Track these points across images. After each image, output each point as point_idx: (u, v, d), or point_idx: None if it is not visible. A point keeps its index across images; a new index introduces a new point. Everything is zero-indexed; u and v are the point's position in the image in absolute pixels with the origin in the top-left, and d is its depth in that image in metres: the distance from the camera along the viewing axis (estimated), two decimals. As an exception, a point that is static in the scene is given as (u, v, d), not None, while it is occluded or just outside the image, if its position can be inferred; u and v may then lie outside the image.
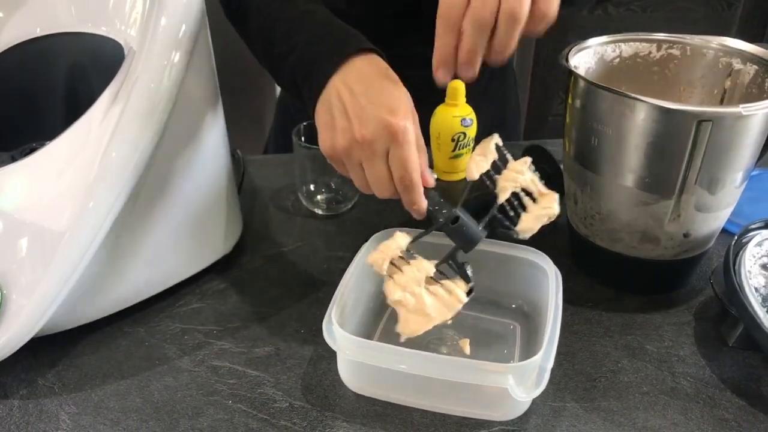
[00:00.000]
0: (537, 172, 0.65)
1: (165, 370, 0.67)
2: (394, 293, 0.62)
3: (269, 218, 0.91)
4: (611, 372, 0.67)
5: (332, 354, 0.65)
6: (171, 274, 0.75)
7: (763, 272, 0.69)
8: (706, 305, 0.76)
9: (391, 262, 0.63)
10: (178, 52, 0.65)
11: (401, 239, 0.64)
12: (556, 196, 0.63)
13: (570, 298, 0.75)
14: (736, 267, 0.68)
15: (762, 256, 0.70)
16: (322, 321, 0.61)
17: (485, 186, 0.64)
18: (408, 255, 0.64)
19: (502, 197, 0.63)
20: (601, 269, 0.79)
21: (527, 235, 0.64)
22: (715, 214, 0.71)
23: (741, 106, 0.63)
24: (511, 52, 0.58)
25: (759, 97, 0.68)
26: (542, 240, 0.73)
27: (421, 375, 0.59)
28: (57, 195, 0.62)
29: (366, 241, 0.71)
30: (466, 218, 0.62)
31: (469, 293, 0.62)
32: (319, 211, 0.91)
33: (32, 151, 0.67)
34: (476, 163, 0.64)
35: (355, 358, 0.61)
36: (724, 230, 0.77)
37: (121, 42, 0.70)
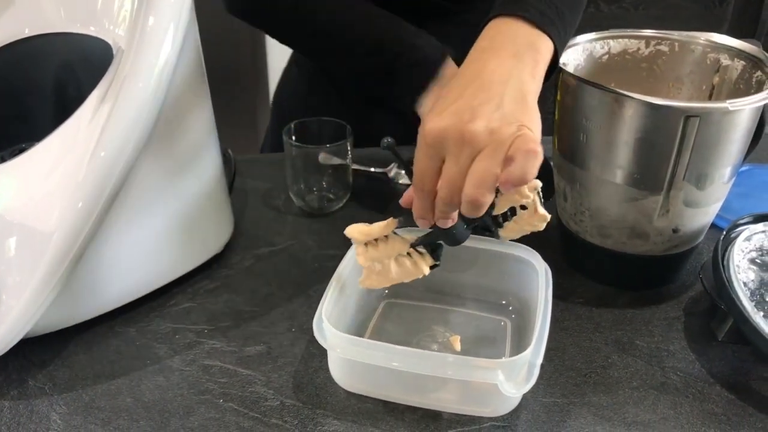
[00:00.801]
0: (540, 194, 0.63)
1: (156, 369, 0.67)
2: (364, 260, 0.64)
3: (260, 217, 0.91)
4: (601, 367, 0.67)
5: (323, 352, 0.66)
6: (162, 273, 0.75)
7: (752, 267, 0.69)
8: (695, 300, 0.76)
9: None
10: (167, 52, 0.65)
11: (390, 226, 0.64)
12: (548, 217, 0.62)
13: (560, 295, 0.75)
14: (725, 262, 0.69)
15: (750, 250, 0.70)
16: (313, 319, 0.61)
17: None
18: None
19: (499, 210, 0.63)
20: (591, 265, 0.79)
21: (506, 240, 0.65)
22: (704, 210, 0.72)
23: (728, 101, 0.63)
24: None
25: (746, 93, 0.69)
26: (532, 237, 0.73)
27: (412, 372, 0.59)
28: (46, 195, 0.62)
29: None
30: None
31: (432, 267, 0.65)
32: (311, 210, 0.91)
33: (21, 151, 0.66)
34: None
35: (346, 355, 0.61)
36: (713, 225, 0.78)
37: (110, 42, 0.70)
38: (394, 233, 0.65)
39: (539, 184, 0.61)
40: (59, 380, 0.65)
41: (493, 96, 0.55)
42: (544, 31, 0.62)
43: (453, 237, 0.62)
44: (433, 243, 0.65)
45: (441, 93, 0.61)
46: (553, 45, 0.63)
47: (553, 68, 0.65)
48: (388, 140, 0.59)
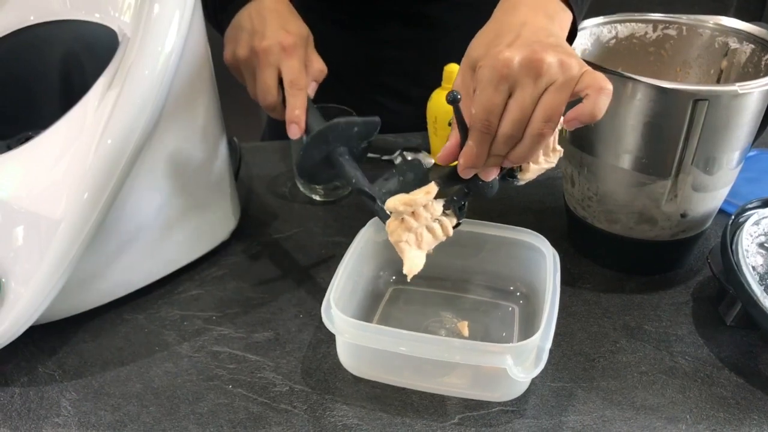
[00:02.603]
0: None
1: (165, 356, 0.67)
2: (397, 236, 0.61)
3: (267, 205, 0.91)
4: (610, 352, 0.67)
5: (331, 338, 0.66)
6: (169, 261, 0.75)
7: (761, 251, 0.69)
8: (703, 285, 0.76)
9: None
10: (172, 39, 0.65)
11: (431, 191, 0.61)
12: (561, 151, 0.62)
13: (568, 280, 0.75)
14: (734, 246, 0.69)
15: (759, 235, 0.70)
16: (320, 305, 0.61)
17: None
18: None
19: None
20: (599, 251, 0.79)
21: (524, 183, 0.63)
22: (712, 194, 0.71)
23: (737, 84, 0.63)
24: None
25: (755, 76, 0.68)
26: (540, 222, 0.74)
27: (420, 357, 0.59)
28: (53, 183, 0.62)
29: (363, 226, 0.71)
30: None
31: (455, 227, 0.63)
32: (317, 197, 0.91)
33: (28, 139, 0.66)
34: None
35: (354, 341, 0.61)
36: (721, 211, 0.78)
37: (115, 29, 0.69)
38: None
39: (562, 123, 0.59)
40: (69, 367, 0.65)
41: (548, 36, 0.56)
42: (565, 2, 0.63)
43: (490, 188, 0.61)
44: (457, 201, 0.62)
45: (482, 34, 0.60)
46: (572, 15, 0.63)
47: (571, 39, 0.65)
48: (454, 94, 0.55)
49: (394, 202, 0.59)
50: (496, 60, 0.54)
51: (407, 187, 0.61)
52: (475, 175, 0.59)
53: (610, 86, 0.53)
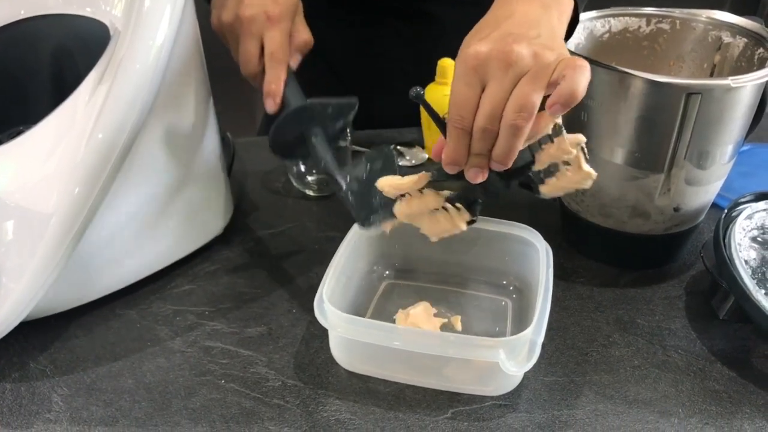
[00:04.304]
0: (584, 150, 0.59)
1: (157, 351, 0.67)
2: (401, 215, 0.63)
3: (260, 200, 0.90)
4: (602, 346, 0.67)
5: (324, 333, 0.66)
6: (162, 256, 0.75)
7: (753, 245, 0.69)
8: (696, 279, 0.76)
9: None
10: (164, 32, 0.64)
11: (421, 180, 0.62)
12: (594, 175, 0.59)
13: (561, 274, 0.75)
14: (726, 240, 0.69)
15: (752, 229, 0.70)
16: (313, 300, 0.61)
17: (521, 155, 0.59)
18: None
19: (539, 166, 0.59)
20: (592, 245, 0.79)
21: (548, 197, 0.61)
22: (705, 188, 0.71)
23: (730, 78, 0.63)
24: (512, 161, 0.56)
25: (748, 71, 0.68)
26: (533, 217, 0.74)
27: (413, 351, 0.59)
28: (44, 177, 0.62)
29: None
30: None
31: (469, 223, 0.62)
32: (310, 192, 0.91)
33: (19, 134, 0.66)
34: None
35: (347, 335, 0.61)
36: (714, 205, 0.78)
37: (107, 23, 0.69)
38: (423, 188, 0.62)
39: (583, 139, 0.57)
40: (60, 362, 0.65)
41: (530, 28, 0.55)
42: None
43: (489, 191, 0.60)
44: (469, 198, 0.62)
45: (472, 30, 0.59)
46: (574, 1, 0.62)
47: (573, 27, 0.64)
48: (417, 90, 0.56)
49: (381, 182, 0.61)
50: (466, 54, 0.53)
51: (374, 175, 0.62)
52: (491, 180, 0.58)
53: (585, 63, 0.52)
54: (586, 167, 0.58)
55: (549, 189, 0.60)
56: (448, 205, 0.62)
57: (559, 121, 0.56)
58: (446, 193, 0.62)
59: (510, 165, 0.55)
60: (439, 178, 0.61)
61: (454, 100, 0.54)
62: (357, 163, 0.64)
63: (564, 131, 0.57)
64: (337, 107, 0.71)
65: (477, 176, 0.56)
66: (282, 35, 0.71)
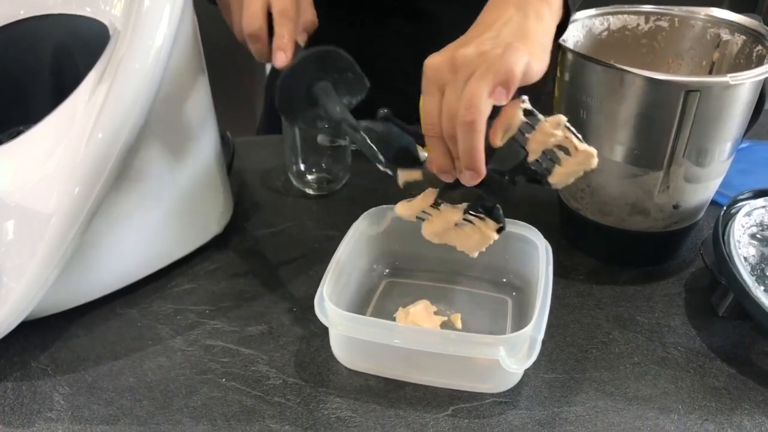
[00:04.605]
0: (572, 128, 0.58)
1: (158, 350, 0.67)
2: (430, 236, 0.64)
3: (260, 199, 0.91)
4: (602, 343, 0.67)
5: (325, 331, 0.66)
6: (162, 255, 0.75)
7: (753, 242, 0.69)
8: (696, 276, 0.76)
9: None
10: (163, 32, 0.64)
11: (428, 197, 0.64)
12: (593, 151, 0.58)
13: (561, 272, 0.75)
14: (726, 237, 0.69)
15: (751, 225, 0.70)
16: (314, 299, 0.61)
17: (511, 149, 0.60)
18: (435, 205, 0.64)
19: (533, 156, 0.59)
20: (592, 242, 0.79)
21: (560, 186, 0.60)
22: (704, 185, 0.72)
23: (729, 75, 0.63)
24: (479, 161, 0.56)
25: (747, 68, 0.68)
26: (533, 215, 0.74)
27: (414, 349, 0.59)
28: (44, 177, 0.62)
29: (357, 219, 0.71)
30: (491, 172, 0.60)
31: (499, 231, 0.63)
32: (310, 191, 0.91)
33: (19, 134, 0.66)
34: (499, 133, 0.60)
35: (348, 333, 0.61)
36: (713, 202, 0.78)
37: (106, 23, 0.69)
38: (438, 203, 0.63)
39: (563, 118, 0.57)
40: (61, 362, 0.65)
41: (490, 31, 0.57)
42: None
43: (497, 192, 0.60)
44: (485, 206, 0.62)
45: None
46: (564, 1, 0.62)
47: (565, 23, 0.64)
48: (383, 111, 0.59)
49: (398, 209, 0.64)
50: (424, 66, 0.57)
51: (390, 135, 0.63)
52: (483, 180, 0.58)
53: (520, 45, 0.53)
54: (582, 145, 0.57)
55: (556, 178, 0.59)
56: (471, 217, 0.63)
57: (528, 106, 0.57)
58: (463, 205, 0.63)
59: (479, 164, 0.55)
60: (446, 189, 0.62)
61: (423, 111, 0.57)
62: (374, 123, 0.64)
63: (540, 115, 0.57)
64: (356, 74, 0.69)
65: (472, 179, 0.56)
66: None
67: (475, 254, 0.65)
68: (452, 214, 0.63)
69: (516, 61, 0.52)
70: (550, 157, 0.58)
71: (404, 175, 0.63)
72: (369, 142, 0.62)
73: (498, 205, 0.63)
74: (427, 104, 0.57)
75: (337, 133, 0.86)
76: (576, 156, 0.57)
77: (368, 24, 1.04)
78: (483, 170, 0.56)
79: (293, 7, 0.70)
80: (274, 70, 1.21)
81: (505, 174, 0.59)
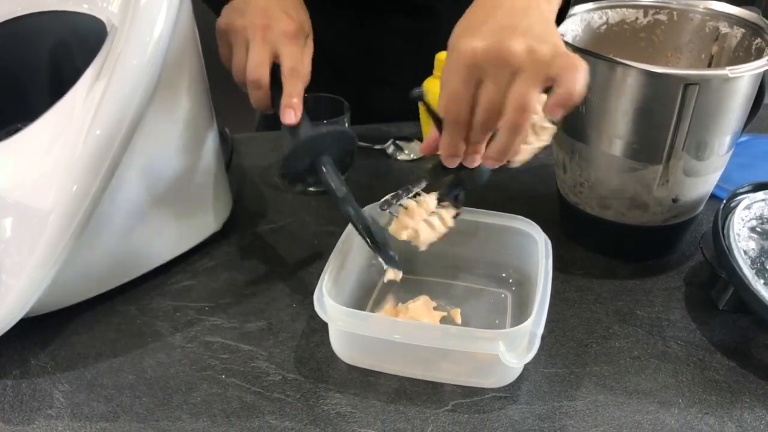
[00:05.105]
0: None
1: (158, 346, 0.67)
2: (400, 234, 0.64)
3: (259, 195, 0.90)
4: (602, 338, 0.67)
5: (324, 327, 0.66)
6: (161, 252, 0.75)
7: (752, 235, 0.69)
8: (696, 270, 0.76)
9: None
10: (160, 28, 0.64)
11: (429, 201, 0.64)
12: (553, 129, 0.61)
13: (561, 267, 0.75)
14: (725, 231, 0.69)
15: (750, 219, 0.70)
16: (313, 295, 0.61)
17: None
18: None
19: None
20: (591, 237, 0.79)
21: (518, 164, 0.62)
22: (703, 179, 0.71)
23: (727, 68, 0.63)
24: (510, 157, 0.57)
25: (746, 61, 0.68)
26: (532, 209, 0.74)
27: (413, 344, 0.59)
28: (42, 174, 0.62)
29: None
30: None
31: (455, 217, 0.64)
32: (309, 188, 0.91)
33: (17, 131, 0.66)
34: None
35: (347, 328, 0.61)
36: (713, 196, 0.78)
37: (104, 19, 0.69)
38: (420, 193, 0.63)
39: (542, 97, 0.58)
40: (61, 359, 0.65)
41: (521, 19, 0.55)
42: None
43: (479, 174, 0.61)
44: (453, 192, 0.63)
45: (460, 20, 0.59)
46: None
47: (564, 12, 0.64)
48: (418, 90, 0.57)
49: (394, 231, 0.64)
50: (460, 50, 0.53)
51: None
52: (461, 164, 0.59)
53: (583, 64, 0.52)
54: (547, 123, 0.60)
55: (518, 156, 0.60)
56: (440, 210, 0.64)
57: None
58: (429, 201, 0.63)
59: (506, 159, 0.56)
60: (437, 174, 0.62)
61: (450, 95, 0.54)
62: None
63: None
64: (344, 137, 0.71)
65: (474, 161, 0.57)
66: (300, 52, 0.71)
67: (423, 247, 0.64)
68: (430, 202, 0.63)
69: (579, 83, 0.52)
70: None
71: (392, 273, 0.65)
72: (369, 228, 0.64)
73: (462, 193, 0.64)
74: (457, 91, 0.54)
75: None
76: (540, 133, 0.60)
77: (368, 20, 1.04)
78: (502, 162, 0.56)
79: (303, 64, 0.71)
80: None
81: None
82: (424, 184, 0.63)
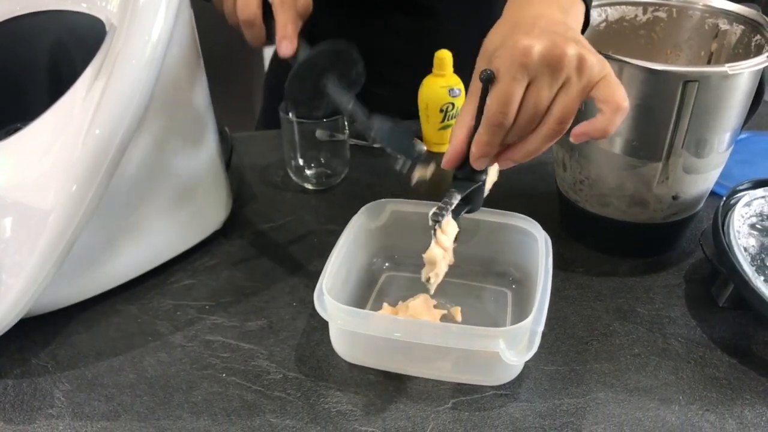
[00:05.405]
0: None
1: (158, 345, 0.67)
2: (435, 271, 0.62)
3: (259, 194, 0.90)
4: (603, 335, 0.67)
5: (325, 325, 0.66)
6: (161, 251, 0.75)
7: (753, 232, 0.69)
8: (696, 267, 0.76)
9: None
10: (159, 27, 0.64)
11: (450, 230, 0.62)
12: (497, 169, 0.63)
13: (561, 264, 0.75)
14: (725, 228, 0.69)
15: (751, 216, 0.70)
16: (313, 294, 0.61)
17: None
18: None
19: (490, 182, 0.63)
20: (592, 235, 0.79)
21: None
22: (703, 176, 0.71)
23: (727, 65, 0.63)
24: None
25: (745, 58, 0.68)
26: (532, 207, 0.74)
27: (414, 342, 0.59)
28: (42, 174, 0.62)
29: (356, 213, 0.71)
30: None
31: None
32: (309, 186, 0.91)
33: (16, 131, 0.66)
34: None
35: (347, 327, 0.61)
36: (713, 193, 0.78)
37: (102, 18, 0.69)
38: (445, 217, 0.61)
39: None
40: (62, 358, 0.65)
41: (567, 30, 0.54)
42: None
43: (476, 195, 0.61)
44: (462, 209, 0.62)
45: (497, 27, 0.58)
46: (585, 5, 0.62)
47: (585, 27, 0.64)
48: (490, 72, 0.53)
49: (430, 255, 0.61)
50: (515, 49, 0.51)
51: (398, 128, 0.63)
52: (474, 170, 0.58)
53: (626, 104, 0.52)
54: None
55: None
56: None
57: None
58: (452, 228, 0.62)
59: (525, 160, 0.56)
60: (460, 178, 0.61)
61: (500, 95, 0.52)
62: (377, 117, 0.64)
63: None
64: (344, 54, 0.69)
65: (485, 163, 0.57)
66: None
67: (433, 291, 0.63)
68: (452, 231, 0.62)
69: (616, 123, 0.52)
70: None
71: (419, 171, 0.63)
72: (382, 134, 0.62)
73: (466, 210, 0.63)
74: (508, 89, 0.52)
75: (336, 127, 0.85)
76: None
77: (368, 19, 1.04)
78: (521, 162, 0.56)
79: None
80: (273, 64, 1.21)
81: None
82: (458, 197, 0.60)
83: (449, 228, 0.61)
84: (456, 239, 0.62)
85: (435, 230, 0.59)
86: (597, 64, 0.52)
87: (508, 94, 0.52)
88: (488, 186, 0.63)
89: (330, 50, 0.67)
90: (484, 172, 0.60)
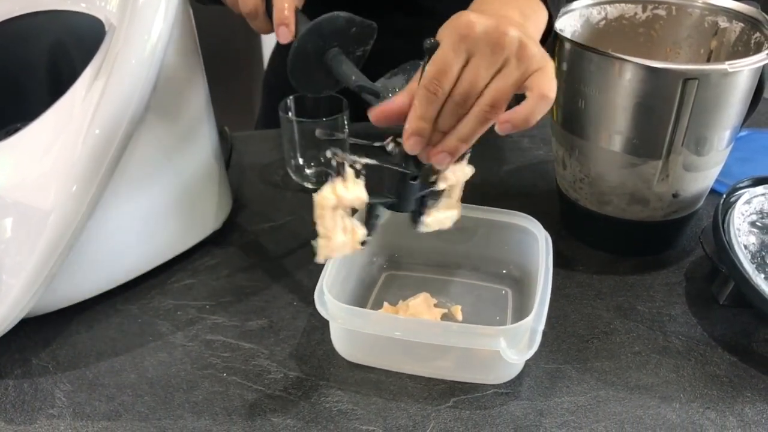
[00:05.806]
0: None
1: (159, 345, 0.67)
2: (324, 215, 0.63)
3: (259, 193, 0.90)
4: (603, 333, 0.67)
5: (325, 325, 0.66)
6: (162, 250, 0.75)
7: (753, 230, 0.69)
8: (696, 265, 0.76)
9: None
10: (159, 27, 0.64)
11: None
12: (457, 216, 0.64)
13: (561, 263, 0.75)
14: (726, 225, 0.69)
15: (751, 213, 0.70)
16: (313, 293, 0.61)
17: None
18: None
19: (444, 183, 0.61)
20: (591, 233, 0.79)
21: (425, 230, 0.63)
22: (703, 174, 0.71)
23: (727, 63, 0.63)
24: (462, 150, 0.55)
25: (745, 55, 0.68)
26: (532, 206, 0.74)
27: (414, 341, 0.59)
28: (42, 174, 0.62)
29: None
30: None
31: (362, 244, 0.61)
32: (309, 185, 0.91)
33: (16, 131, 0.66)
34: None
35: (348, 326, 0.61)
36: (713, 191, 0.78)
37: (102, 18, 0.69)
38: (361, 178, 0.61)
39: (472, 171, 0.60)
40: (62, 358, 0.65)
41: (519, 25, 0.54)
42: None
43: (409, 195, 0.60)
44: (377, 210, 0.62)
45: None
46: (548, 12, 0.63)
47: (547, 36, 0.64)
48: (431, 41, 0.54)
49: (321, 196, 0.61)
50: (459, 21, 0.52)
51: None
52: (417, 161, 0.58)
53: (552, 95, 0.52)
54: (457, 204, 0.62)
55: (428, 219, 0.62)
56: (350, 222, 0.62)
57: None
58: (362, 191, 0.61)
59: (460, 151, 0.55)
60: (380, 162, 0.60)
61: (437, 62, 0.53)
62: (391, 74, 0.63)
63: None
64: (360, 27, 0.67)
65: (442, 159, 0.55)
66: None
67: (321, 259, 0.61)
68: (360, 197, 0.61)
69: (540, 112, 0.52)
70: (436, 198, 0.61)
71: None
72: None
73: (380, 219, 0.62)
74: (447, 60, 0.52)
75: (335, 126, 0.85)
76: (449, 208, 0.62)
77: (366, 18, 1.04)
78: (455, 158, 0.55)
79: None
80: (272, 63, 1.21)
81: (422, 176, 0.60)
82: (375, 163, 0.60)
83: (355, 188, 0.61)
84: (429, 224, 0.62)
85: (338, 172, 0.60)
86: (538, 54, 0.52)
87: (445, 62, 0.52)
88: (460, 187, 0.62)
89: (311, 29, 0.64)
90: (420, 168, 0.58)
